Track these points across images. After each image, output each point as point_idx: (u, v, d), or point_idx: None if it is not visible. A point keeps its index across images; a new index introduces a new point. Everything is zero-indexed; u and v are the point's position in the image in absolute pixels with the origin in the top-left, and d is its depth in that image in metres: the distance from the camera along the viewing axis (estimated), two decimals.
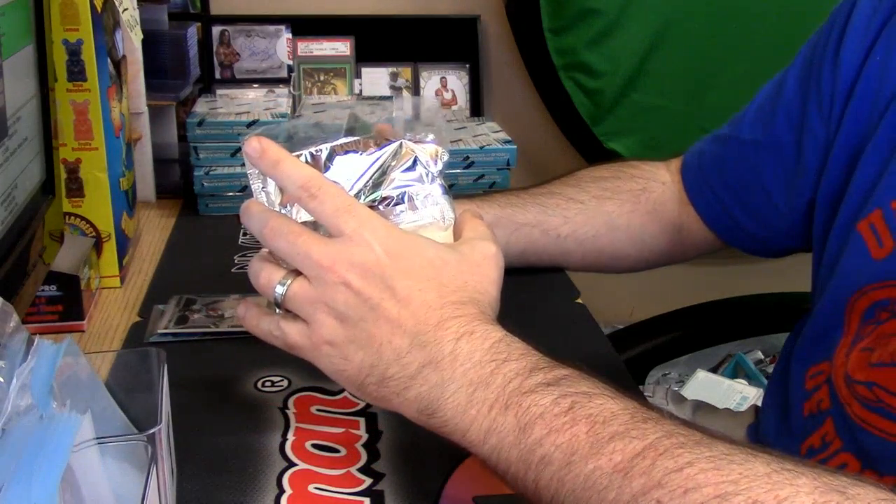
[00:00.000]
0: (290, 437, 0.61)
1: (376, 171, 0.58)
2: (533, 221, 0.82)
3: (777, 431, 0.75)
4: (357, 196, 0.57)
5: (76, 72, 0.79)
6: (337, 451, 0.60)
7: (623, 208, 0.84)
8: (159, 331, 0.75)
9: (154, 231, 1.01)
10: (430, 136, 0.61)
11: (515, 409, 0.48)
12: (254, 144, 0.55)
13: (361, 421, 0.63)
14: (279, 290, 0.54)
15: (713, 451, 0.42)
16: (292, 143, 0.58)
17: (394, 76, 1.42)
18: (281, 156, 0.55)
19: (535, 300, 0.85)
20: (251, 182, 0.58)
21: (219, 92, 1.26)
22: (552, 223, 0.83)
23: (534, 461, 0.46)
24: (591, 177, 0.85)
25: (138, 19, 0.97)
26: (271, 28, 1.34)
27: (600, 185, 0.84)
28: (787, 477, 0.40)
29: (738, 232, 0.81)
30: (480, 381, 0.50)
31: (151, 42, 1.09)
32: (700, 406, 0.99)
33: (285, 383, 0.68)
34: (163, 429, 0.45)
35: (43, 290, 0.74)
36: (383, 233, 0.54)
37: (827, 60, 0.70)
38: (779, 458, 0.42)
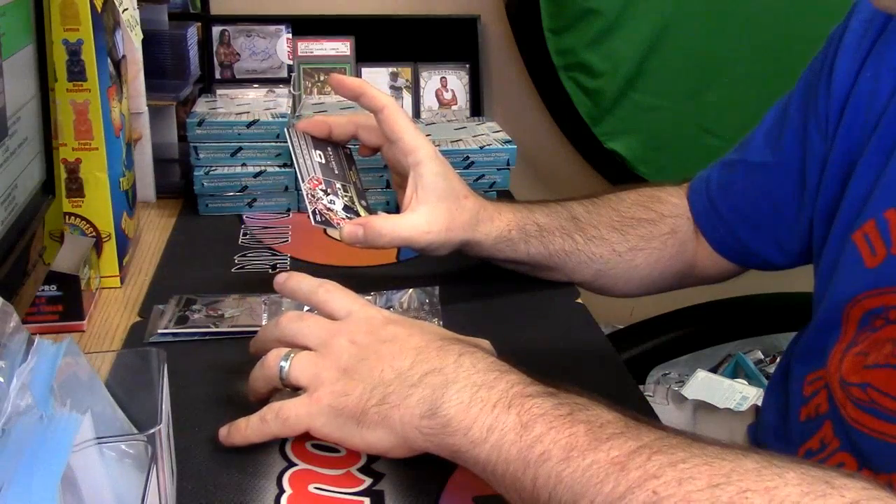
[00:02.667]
0: (290, 436, 0.61)
1: None
2: (569, 249, 0.83)
3: (776, 434, 0.76)
4: None
5: (76, 72, 0.79)
6: (337, 451, 0.60)
7: (649, 260, 0.84)
8: (159, 331, 0.75)
9: (154, 231, 1.01)
10: None
11: (518, 408, 0.49)
12: (282, 276, 0.66)
13: None
14: (284, 363, 0.59)
15: (705, 451, 0.44)
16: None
17: (394, 76, 1.42)
18: (303, 275, 0.66)
19: (536, 300, 0.85)
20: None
21: (219, 92, 1.26)
22: (581, 258, 0.83)
23: (533, 458, 0.47)
24: (633, 218, 0.85)
25: (138, 19, 0.97)
26: (271, 28, 1.34)
27: (639, 232, 0.84)
28: (776, 471, 0.42)
29: (748, 255, 0.82)
30: (484, 384, 0.51)
31: (151, 42, 1.09)
32: (700, 406, 0.99)
33: None
34: (163, 429, 0.45)
35: (43, 290, 0.74)
36: (385, 311, 0.63)
37: (822, 80, 0.71)
38: (768, 456, 0.43)
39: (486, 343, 0.65)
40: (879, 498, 0.39)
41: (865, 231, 0.64)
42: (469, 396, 0.51)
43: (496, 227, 0.81)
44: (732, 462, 0.42)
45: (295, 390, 0.59)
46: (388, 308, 0.74)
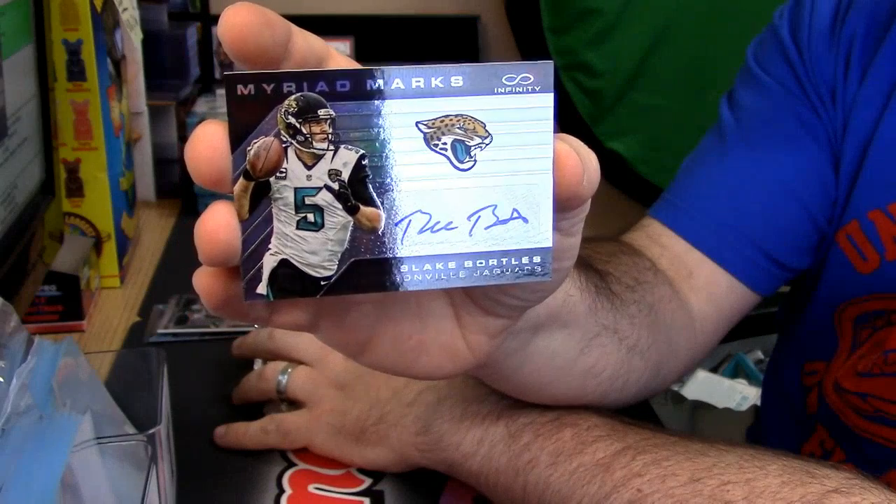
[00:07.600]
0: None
1: None
2: (611, 323, 0.50)
3: (779, 429, 0.75)
4: None
5: (76, 72, 0.79)
6: None
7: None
8: (159, 331, 0.75)
9: (154, 231, 1.01)
10: None
11: (506, 419, 0.50)
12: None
13: None
14: (282, 378, 0.59)
15: (689, 448, 0.44)
16: None
17: None
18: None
19: None
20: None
21: (219, 92, 1.26)
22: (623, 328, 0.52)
23: (521, 465, 0.48)
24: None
25: (138, 19, 0.97)
26: None
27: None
28: (757, 464, 0.42)
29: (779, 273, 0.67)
30: (474, 398, 0.52)
31: (151, 42, 1.09)
32: (700, 406, 0.99)
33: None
34: (163, 429, 0.45)
35: (43, 290, 0.74)
36: None
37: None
38: (752, 450, 0.44)
39: None
40: (861, 486, 0.39)
41: (849, 232, 0.62)
42: (461, 411, 0.51)
43: None
44: (715, 457, 0.43)
45: (290, 403, 0.60)
46: None
